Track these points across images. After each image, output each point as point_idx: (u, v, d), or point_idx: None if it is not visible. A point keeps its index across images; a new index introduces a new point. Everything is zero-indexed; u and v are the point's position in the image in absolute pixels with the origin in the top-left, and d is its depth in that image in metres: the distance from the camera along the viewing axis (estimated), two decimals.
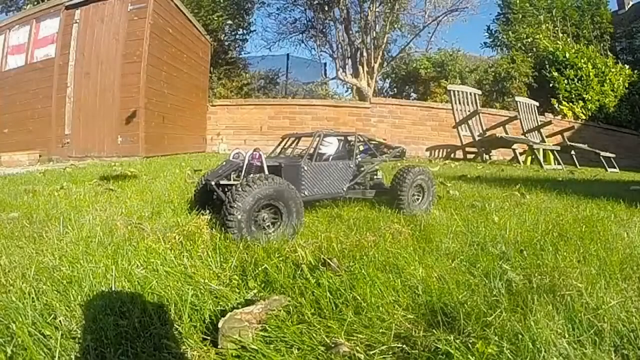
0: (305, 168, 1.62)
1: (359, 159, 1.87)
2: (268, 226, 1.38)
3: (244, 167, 1.54)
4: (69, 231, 1.37)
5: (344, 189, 1.78)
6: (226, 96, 8.41)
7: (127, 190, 2.29)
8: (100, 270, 1.02)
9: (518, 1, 12.03)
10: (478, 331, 0.78)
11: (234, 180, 1.57)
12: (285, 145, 2.02)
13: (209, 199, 1.66)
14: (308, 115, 7.81)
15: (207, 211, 1.56)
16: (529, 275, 1.06)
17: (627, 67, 10.47)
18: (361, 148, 1.95)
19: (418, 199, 1.92)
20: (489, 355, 0.70)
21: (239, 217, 1.28)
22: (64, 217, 1.54)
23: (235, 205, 1.28)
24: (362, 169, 1.87)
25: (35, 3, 7.29)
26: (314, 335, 0.79)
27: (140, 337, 0.77)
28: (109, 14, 5.31)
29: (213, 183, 1.54)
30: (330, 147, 1.84)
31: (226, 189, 1.53)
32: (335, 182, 1.74)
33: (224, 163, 1.68)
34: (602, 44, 11.56)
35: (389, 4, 10.22)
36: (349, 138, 1.95)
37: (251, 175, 1.42)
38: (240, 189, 1.31)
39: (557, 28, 11.25)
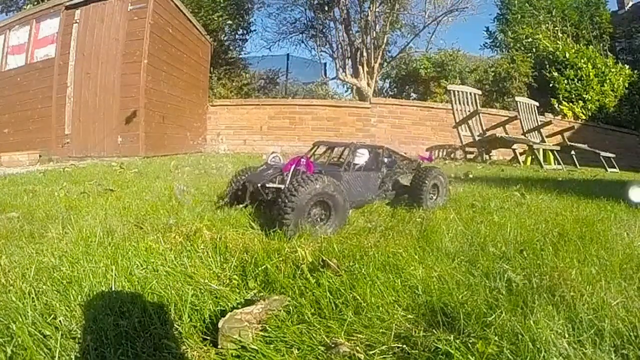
0: (344, 177, 1.76)
1: (384, 171, 2.06)
2: (318, 221, 1.49)
3: (291, 173, 1.60)
4: (69, 231, 1.37)
5: (373, 197, 1.96)
6: (226, 96, 8.40)
7: (127, 189, 2.28)
8: (100, 270, 1.02)
9: (517, 1, 12.02)
10: (478, 331, 0.78)
11: (279, 183, 1.63)
12: (315, 151, 2.15)
13: (241, 198, 1.75)
14: (308, 115, 7.81)
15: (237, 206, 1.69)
16: (529, 275, 1.06)
17: (627, 67, 10.46)
18: (386, 161, 2.12)
19: (433, 197, 2.10)
20: (489, 355, 0.70)
21: (295, 213, 1.38)
22: (64, 217, 1.53)
23: (290, 203, 1.37)
24: (386, 179, 2.06)
25: (35, 3, 7.29)
26: (314, 335, 0.79)
27: (140, 337, 0.77)
28: (109, 14, 5.31)
29: (259, 185, 1.62)
30: (362, 158, 1.99)
31: (270, 191, 1.62)
32: (366, 191, 1.91)
33: (265, 167, 1.79)
34: (601, 44, 11.54)
35: (389, 4, 10.21)
36: (377, 151, 2.13)
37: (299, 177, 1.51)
38: (295, 187, 1.40)
39: (556, 28, 11.24)
